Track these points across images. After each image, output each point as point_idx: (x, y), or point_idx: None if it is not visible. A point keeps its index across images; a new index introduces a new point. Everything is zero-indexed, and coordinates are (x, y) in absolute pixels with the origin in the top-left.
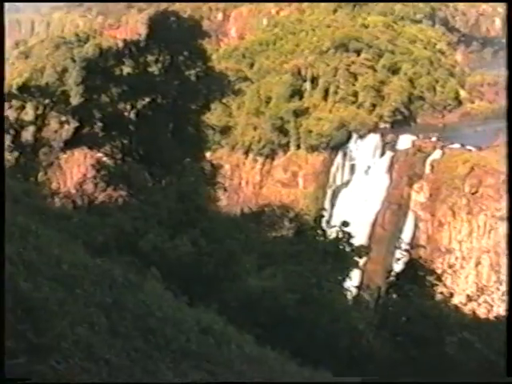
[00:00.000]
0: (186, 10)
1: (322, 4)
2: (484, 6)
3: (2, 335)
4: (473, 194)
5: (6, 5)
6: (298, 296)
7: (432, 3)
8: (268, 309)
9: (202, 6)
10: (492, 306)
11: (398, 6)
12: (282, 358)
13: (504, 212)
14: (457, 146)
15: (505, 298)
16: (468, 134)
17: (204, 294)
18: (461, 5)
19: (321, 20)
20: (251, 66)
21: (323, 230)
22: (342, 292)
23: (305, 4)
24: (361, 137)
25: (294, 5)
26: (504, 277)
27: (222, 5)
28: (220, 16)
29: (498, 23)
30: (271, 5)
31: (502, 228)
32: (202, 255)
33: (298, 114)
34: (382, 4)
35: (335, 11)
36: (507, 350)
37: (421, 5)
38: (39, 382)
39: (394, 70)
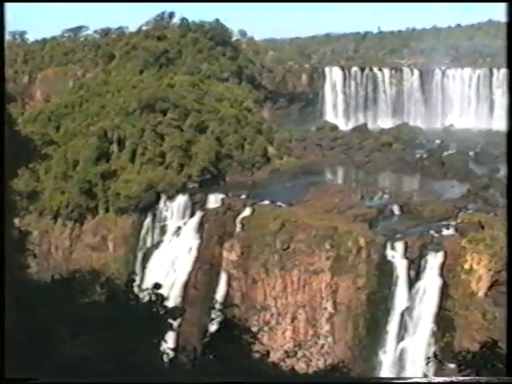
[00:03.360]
0: None
1: (129, 65)
2: (290, 62)
3: (1, 335)
4: (285, 249)
5: None
6: (114, 363)
7: (240, 62)
8: (86, 377)
9: (8, 70)
10: (311, 360)
11: (204, 65)
12: None
13: (317, 266)
14: (267, 202)
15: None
16: (277, 190)
17: (19, 364)
18: (268, 62)
19: (127, 81)
20: (57, 129)
21: (135, 294)
22: (159, 355)
23: (111, 65)
24: (170, 197)
25: (100, 66)
26: (322, 330)
27: (27, 67)
28: (26, 79)
29: (305, 79)
30: (77, 67)
31: (316, 282)
32: (15, 325)
33: (105, 176)
34: (188, 63)
35: (141, 72)
36: (507, 350)
37: (228, 63)
38: (41, 382)
39: (201, 129)
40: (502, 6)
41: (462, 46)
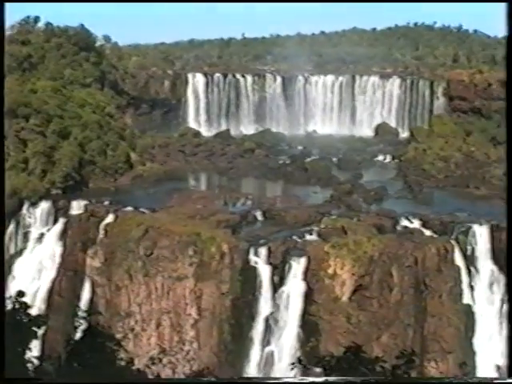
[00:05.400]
0: None
1: None
2: (153, 68)
3: (1, 335)
4: (148, 256)
5: None
6: None
7: (103, 68)
8: None
9: None
10: (176, 367)
11: (67, 71)
12: None
13: (180, 272)
14: (130, 208)
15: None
16: (140, 196)
17: None
18: (131, 68)
19: None
20: None
21: None
22: (24, 365)
23: None
24: (33, 204)
25: None
26: (187, 336)
27: None
28: None
29: (167, 85)
30: None
31: (180, 288)
32: None
33: None
34: (51, 68)
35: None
36: (507, 350)
37: (91, 68)
38: (46, 382)
39: (64, 135)
40: (393, 11)
41: (325, 53)
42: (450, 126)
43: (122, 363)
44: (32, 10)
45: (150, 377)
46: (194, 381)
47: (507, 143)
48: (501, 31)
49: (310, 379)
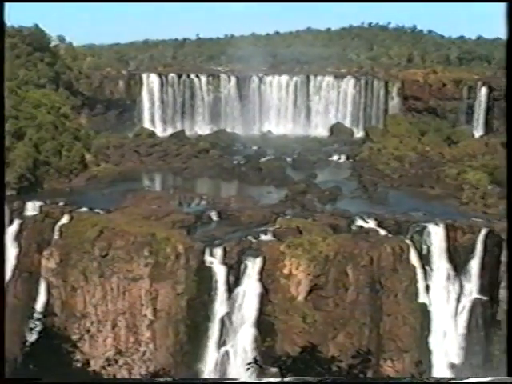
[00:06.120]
0: None
1: None
2: (108, 68)
3: (1, 336)
4: (103, 256)
5: None
6: None
7: (58, 68)
8: None
9: None
10: (133, 368)
11: (22, 71)
12: None
13: (136, 273)
14: (85, 209)
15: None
16: (95, 196)
17: None
18: (85, 68)
19: None
20: None
21: None
22: None
23: None
24: None
25: None
26: (143, 337)
27: None
28: None
29: (122, 85)
30: None
31: (135, 289)
32: None
33: None
34: (6, 69)
35: None
36: (507, 349)
37: (45, 69)
38: (45, 382)
39: (19, 136)
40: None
41: (279, 53)
42: (404, 125)
43: (78, 364)
44: None
45: (106, 378)
46: (150, 381)
47: (507, 143)
48: (455, 31)
49: (265, 380)
